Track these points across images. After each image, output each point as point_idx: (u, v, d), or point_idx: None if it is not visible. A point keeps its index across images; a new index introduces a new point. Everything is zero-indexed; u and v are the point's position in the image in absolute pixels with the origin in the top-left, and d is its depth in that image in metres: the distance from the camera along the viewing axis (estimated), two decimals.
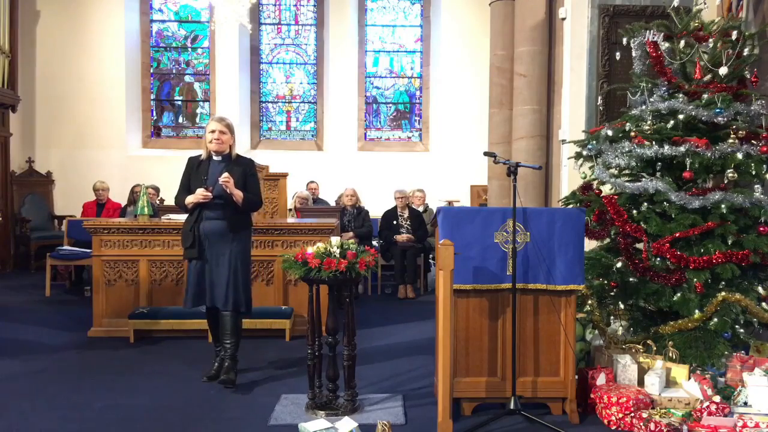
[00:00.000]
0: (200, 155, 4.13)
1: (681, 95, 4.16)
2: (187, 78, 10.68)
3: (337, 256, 3.37)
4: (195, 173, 4.09)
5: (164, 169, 9.60)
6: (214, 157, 4.08)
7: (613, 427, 3.33)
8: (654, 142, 3.96)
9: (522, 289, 3.43)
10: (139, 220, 5.45)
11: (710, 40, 4.18)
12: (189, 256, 4.05)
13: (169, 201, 8.31)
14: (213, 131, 4.02)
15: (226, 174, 3.93)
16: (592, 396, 3.52)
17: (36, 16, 9.71)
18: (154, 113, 10.62)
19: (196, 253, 3.99)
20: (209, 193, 3.94)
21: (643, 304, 4.09)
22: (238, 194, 3.98)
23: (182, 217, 5.43)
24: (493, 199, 7.48)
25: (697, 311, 3.76)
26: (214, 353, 4.22)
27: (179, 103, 10.67)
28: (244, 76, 10.51)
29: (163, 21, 10.59)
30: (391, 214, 7.63)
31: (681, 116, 4.03)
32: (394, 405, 3.64)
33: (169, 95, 10.67)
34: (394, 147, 10.81)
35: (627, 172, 4.22)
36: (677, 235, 3.88)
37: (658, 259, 3.96)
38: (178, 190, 4.16)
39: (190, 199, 4.02)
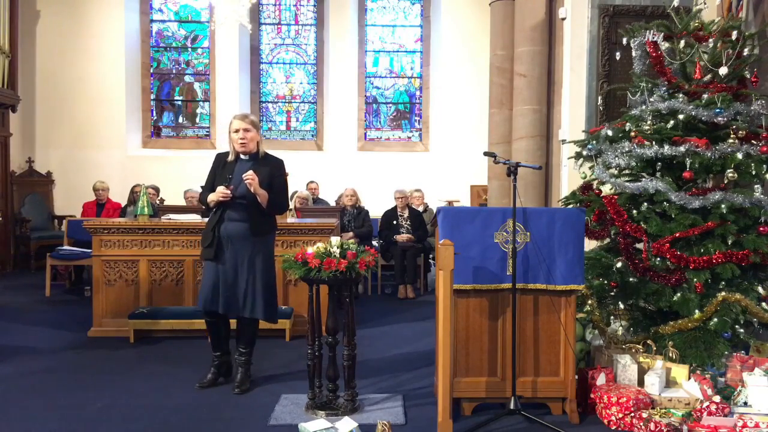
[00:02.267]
0: (228, 153, 3.98)
1: (681, 95, 4.16)
2: (187, 78, 10.68)
3: (337, 256, 3.37)
4: (220, 172, 3.93)
5: (164, 169, 9.62)
6: (242, 156, 3.93)
7: (613, 427, 3.33)
8: (654, 142, 3.96)
9: (522, 289, 3.43)
10: (139, 220, 5.44)
11: (710, 40, 4.18)
12: (205, 257, 3.90)
13: (170, 201, 8.33)
14: (237, 130, 3.85)
15: (250, 171, 3.77)
16: (592, 396, 3.52)
17: (36, 16, 9.71)
18: (154, 113, 10.62)
19: (212, 254, 3.84)
20: (228, 192, 3.78)
21: (643, 304, 4.09)
22: (263, 194, 3.82)
23: (182, 217, 5.46)
24: (493, 199, 7.48)
25: (697, 311, 3.76)
26: (212, 359, 4.05)
27: (179, 103, 10.67)
28: (244, 76, 10.51)
29: (163, 21, 10.59)
30: (391, 214, 7.64)
31: (681, 116, 4.03)
32: (394, 405, 3.64)
33: (169, 95, 10.67)
34: (394, 147, 10.81)
35: (627, 172, 4.21)
36: (677, 235, 3.87)
37: (658, 259, 3.96)
38: (203, 187, 4.04)
39: (211, 198, 3.87)
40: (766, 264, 3.90)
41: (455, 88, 10.34)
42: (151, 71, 10.55)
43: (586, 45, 5.84)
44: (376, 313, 6.32)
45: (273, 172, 3.94)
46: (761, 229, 3.86)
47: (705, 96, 4.04)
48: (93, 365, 4.45)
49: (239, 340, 3.99)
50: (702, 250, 3.85)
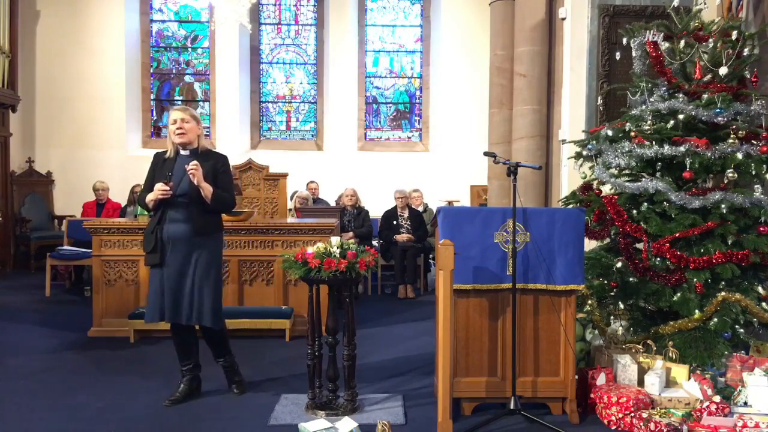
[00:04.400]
0: (167, 151, 3.73)
1: (681, 95, 4.17)
2: (187, 78, 10.69)
3: (337, 256, 3.37)
4: (160, 170, 3.68)
5: None
6: (182, 152, 3.68)
7: (613, 427, 3.33)
8: (654, 142, 3.96)
9: (522, 289, 3.43)
10: (139, 220, 5.45)
11: (710, 40, 4.18)
12: (150, 263, 3.63)
13: None
14: (175, 121, 3.63)
15: (194, 162, 3.53)
16: (592, 396, 3.52)
17: (36, 16, 9.71)
18: (154, 113, 10.62)
19: (158, 259, 3.58)
20: (167, 188, 3.53)
21: (643, 304, 4.09)
22: (207, 188, 3.56)
23: None
24: (493, 199, 7.48)
25: (697, 311, 3.76)
26: (181, 373, 3.80)
27: (179, 103, 10.66)
28: (244, 76, 10.51)
29: (163, 21, 10.59)
30: (391, 214, 7.64)
31: (681, 116, 4.03)
32: (394, 405, 3.64)
33: (169, 95, 10.67)
34: (394, 147, 10.81)
35: (627, 172, 4.22)
36: (677, 235, 3.88)
37: (658, 259, 3.96)
38: (142, 188, 3.78)
39: (149, 197, 3.60)
40: (766, 264, 3.90)
41: (455, 88, 10.34)
42: (151, 71, 10.55)
43: (586, 45, 5.84)
44: (376, 313, 6.32)
45: (217, 168, 3.70)
46: (761, 229, 3.87)
47: (705, 96, 4.04)
48: (93, 365, 4.46)
49: (212, 348, 3.86)
50: (702, 250, 3.86)
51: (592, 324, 4.04)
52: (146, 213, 5.54)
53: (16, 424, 3.39)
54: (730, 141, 3.91)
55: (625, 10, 5.77)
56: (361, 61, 10.78)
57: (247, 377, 4.08)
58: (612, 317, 4.14)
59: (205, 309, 3.63)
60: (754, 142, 3.98)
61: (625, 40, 4.44)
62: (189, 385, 3.78)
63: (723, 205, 3.84)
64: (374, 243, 7.69)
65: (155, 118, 10.61)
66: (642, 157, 3.98)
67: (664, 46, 4.23)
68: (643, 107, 4.22)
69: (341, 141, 10.45)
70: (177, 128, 3.63)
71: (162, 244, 3.60)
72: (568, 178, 5.88)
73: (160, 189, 3.54)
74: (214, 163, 3.71)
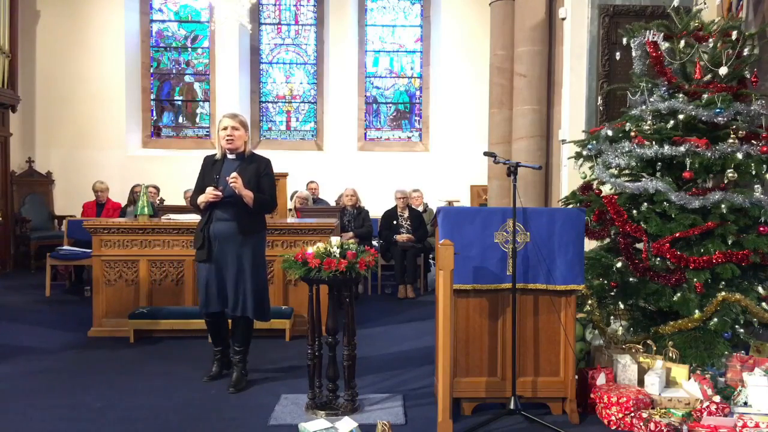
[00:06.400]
0: (215, 154, 4.05)
1: (681, 95, 4.16)
2: (187, 78, 10.69)
3: (337, 256, 3.37)
4: (209, 173, 3.99)
5: (164, 169, 9.63)
6: (229, 156, 3.99)
7: (613, 427, 3.33)
8: (654, 142, 3.96)
9: (522, 289, 3.43)
10: (139, 220, 5.45)
11: (710, 40, 4.18)
12: (199, 258, 3.96)
13: (170, 201, 8.34)
14: (225, 128, 3.93)
15: (234, 174, 3.83)
16: (592, 396, 3.52)
17: (36, 16, 9.71)
18: (154, 113, 10.63)
19: (205, 255, 3.90)
20: (219, 192, 3.83)
21: (643, 304, 4.09)
22: (248, 194, 3.86)
23: (182, 218, 5.46)
24: (493, 199, 7.47)
25: (697, 311, 3.76)
26: (213, 354, 4.19)
27: (179, 103, 10.67)
28: (244, 76, 10.52)
29: (163, 21, 10.59)
30: (391, 214, 7.64)
31: (681, 116, 4.03)
32: (394, 405, 3.64)
33: (169, 95, 10.67)
34: (394, 147, 10.82)
35: (627, 172, 4.21)
36: (677, 235, 3.87)
37: (658, 259, 3.96)
38: (193, 190, 4.09)
39: (200, 199, 3.92)
40: (766, 264, 3.90)
41: (455, 88, 10.34)
42: (151, 71, 10.56)
43: (586, 45, 5.84)
44: (376, 313, 6.32)
45: (260, 171, 3.98)
46: (761, 229, 3.86)
47: (705, 96, 4.04)
48: (93, 365, 4.46)
49: (234, 339, 4.05)
50: (702, 250, 3.85)
51: (592, 324, 4.04)
52: (146, 213, 5.57)
53: (16, 423, 3.39)
54: (730, 141, 3.91)
55: (625, 10, 5.76)
56: (361, 61, 10.79)
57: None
58: (612, 317, 4.14)
59: (248, 302, 3.91)
60: (754, 142, 3.98)
61: (625, 40, 4.43)
62: (221, 362, 4.15)
63: (723, 205, 3.84)
64: (374, 243, 7.69)
65: (155, 118, 10.62)
66: (642, 157, 3.98)
67: (664, 46, 4.23)
68: (643, 107, 4.22)
69: (341, 141, 10.45)
70: (227, 135, 3.92)
71: (209, 242, 3.89)
72: (568, 178, 5.88)
73: (211, 193, 3.84)
74: (258, 166, 4.00)
